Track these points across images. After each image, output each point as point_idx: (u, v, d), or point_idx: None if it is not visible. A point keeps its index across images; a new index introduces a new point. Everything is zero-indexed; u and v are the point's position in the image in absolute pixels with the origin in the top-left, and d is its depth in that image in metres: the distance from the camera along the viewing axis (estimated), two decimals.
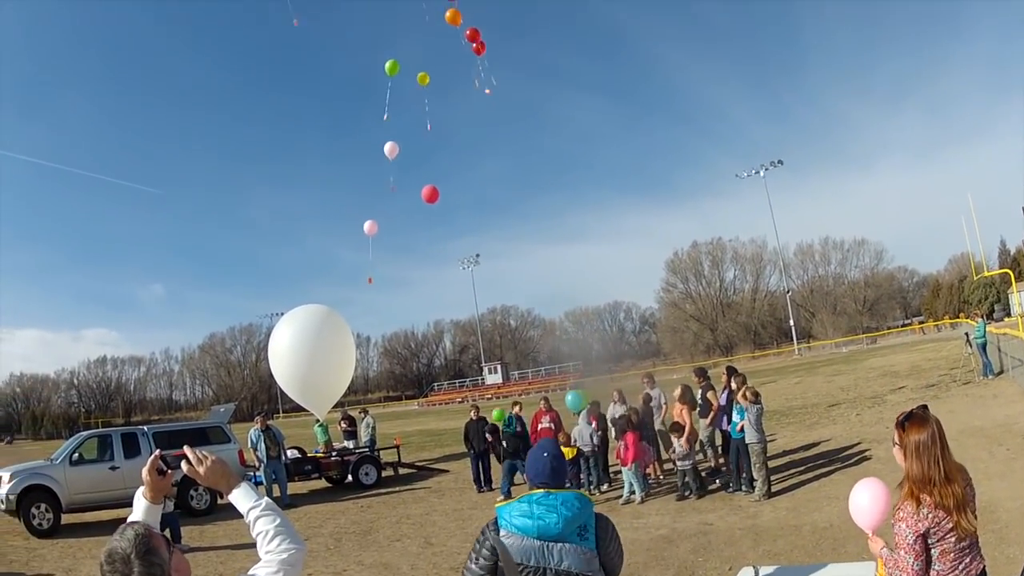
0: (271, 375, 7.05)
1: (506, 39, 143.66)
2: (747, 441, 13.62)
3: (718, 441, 16.36)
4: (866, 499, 4.03)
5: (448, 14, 16.41)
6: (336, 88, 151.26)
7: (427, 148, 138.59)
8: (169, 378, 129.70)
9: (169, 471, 2.78)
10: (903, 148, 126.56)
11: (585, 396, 17.66)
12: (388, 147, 17.83)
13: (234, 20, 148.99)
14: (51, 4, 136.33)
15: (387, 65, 17.26)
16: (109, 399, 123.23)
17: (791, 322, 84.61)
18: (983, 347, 26.51)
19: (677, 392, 16.08)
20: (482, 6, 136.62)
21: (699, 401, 15.94)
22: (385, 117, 19.52)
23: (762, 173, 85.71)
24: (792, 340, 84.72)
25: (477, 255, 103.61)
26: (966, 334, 29.08)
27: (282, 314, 8.17)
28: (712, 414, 15.68)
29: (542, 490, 3.47)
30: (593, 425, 16.43)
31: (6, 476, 16.48)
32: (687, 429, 14.92)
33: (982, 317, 30.86)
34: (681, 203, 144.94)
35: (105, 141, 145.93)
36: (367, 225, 18.95)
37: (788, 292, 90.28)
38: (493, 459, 18.74)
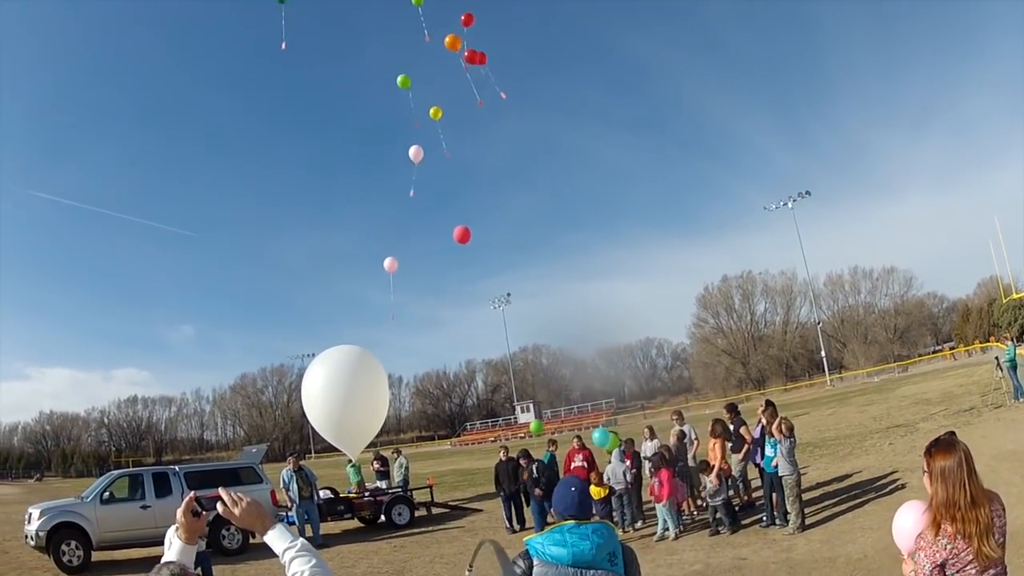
0: (303, 415, 7.02)
1: (534, 78, 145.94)
2: (780, 474, 13.53)
3: (751, 476, 16.39)
4: (909, 521, 3.96)
5: (447, 40, 16.60)
6: (364, 131, 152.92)
7: (456, 188, 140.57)
8: (200, 418, 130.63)
9: (204, 512, 2.80)
10: (928, 173, 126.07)
11: (613, 434, 17.66)
12: (413, 151, 17.94)
13: (263, 66, 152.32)
14: (81, 48, 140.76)
15: (399, 79, 17.47)
16: (140, 438, 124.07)
17: (822, 353, 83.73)
18: (1013, 369, 26.23)
19: (709, 427, 15.97)
20: (510, 45, 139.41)
21: (731, 437, 15.86)
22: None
23: (790, 204, 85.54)
24: (824, 371, 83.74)
25: (508, 294, 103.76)
26: (996, 357, 28.80)
27: (314, 355, 8.29)
28: (744, 449, 15.67)
29: (572, 521, 3.62)
30: (627, 463, 16.42)
31: (36, 513, 16.58)
32: (717, 465, 14.81)
33: (1012, 340, 30.59)
34: (711, 237, 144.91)
35: (139, 184, 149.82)
36: (387, 262, 19.06)
37: (819, 323, 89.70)
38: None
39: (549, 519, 16.44)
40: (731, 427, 16.07)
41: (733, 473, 15.87)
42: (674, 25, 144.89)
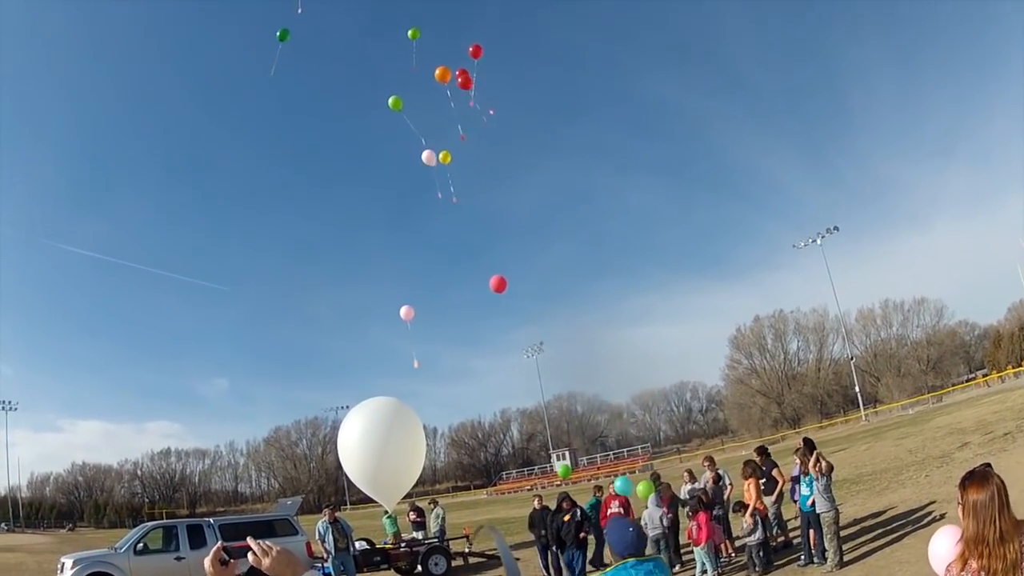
0: (338, 467, 6.81)
1: (561, 125, 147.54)
2: (818, 511, 13.46)
3: (787, 516, 16.39)
4: (943, 547, 3.94)
5: (437, 72, 16.91)
6: (393, 184, 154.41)
7: (487, 238, 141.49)
8: (234, 470, 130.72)
9: (232, 561, 2.76)
10: (954, 201, 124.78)
11: (648, 481, 17.62)
12: (426, 155, 18.14)
13: (292, 120, 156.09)
14: (111, 101, 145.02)
15: (391, 101, 17.75)
16: (173, 490, 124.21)
17: (856, 388, 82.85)
18: None
19: (741, 469, 15.99)
20: (536, 93, 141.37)
21: (764, 477, 15.82)
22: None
23: (819, 241, 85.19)
24: (859, 406, 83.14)
25: (541, 343, 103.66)
26: None
27: (348, 407, 8.38)
28: (777, 490, 15.66)
29: (632, 559, 3.80)
30: (664, 508, 16.38)
31: (69, 563, 16.76)
32: (752, 505, 14.80)
33: None
34: (741, 278, 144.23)
35: (171, 238, 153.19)
36: (403, 310, 19.18)
37: (852, 359, 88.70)
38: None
39: (606, 559, 16.43)
40: (763, 468, 16.02)
41: (768, 514, 15.73)
42: (697, 66, 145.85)
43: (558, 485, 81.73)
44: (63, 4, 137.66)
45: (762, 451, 16.92)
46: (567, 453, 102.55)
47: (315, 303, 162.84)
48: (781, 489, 15.60)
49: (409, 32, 19.42)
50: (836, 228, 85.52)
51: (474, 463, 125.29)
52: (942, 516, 15.22)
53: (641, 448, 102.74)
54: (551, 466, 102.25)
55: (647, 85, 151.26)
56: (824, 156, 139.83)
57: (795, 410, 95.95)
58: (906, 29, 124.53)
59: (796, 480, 15.03)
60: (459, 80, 17.37)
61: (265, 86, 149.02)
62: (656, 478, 18.08)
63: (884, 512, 17.63)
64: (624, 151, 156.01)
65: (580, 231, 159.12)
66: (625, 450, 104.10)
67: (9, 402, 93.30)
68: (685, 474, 17.87)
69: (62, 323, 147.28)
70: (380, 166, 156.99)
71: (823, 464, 13.50)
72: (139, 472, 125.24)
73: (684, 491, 17.20)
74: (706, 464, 17.92)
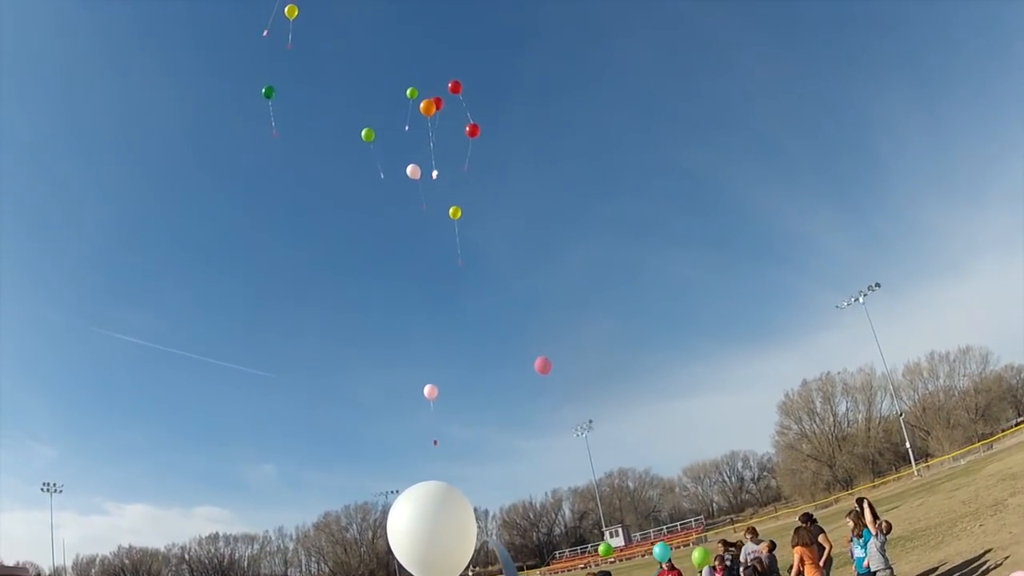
0: (389, 551, 6.65)
1: (598, 200, 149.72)
2: (873, 570, 13.62)
3: None
4: None
5: (422, 106, 18.12)
6: (431, 269, 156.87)
7: (530, 318, 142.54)
8: (284, 555, 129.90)
9: None
10: (991, 244, 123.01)
11: (698, 552, 17.78)
12: (410, 169, 18.99)
13: (329, 210, 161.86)
14: (152, 197, 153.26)
15: (363, 133, 18.91)
16: (222, 575, 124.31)
17: (907, 444, 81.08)
18: None
19: (792, 537, 15.98)
20: (571, 169, 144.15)
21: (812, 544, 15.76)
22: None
23: (861, 300, 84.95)
24: (910, 462, 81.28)
25: (590, 421, 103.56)
26: None
27: (398, 491, 8.99)
28: (824, 555, 15.51)
29: None
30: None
31: None
32: (795, 568, 14.74)
33: None
34: (786, 343, 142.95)
35: (216, 326, 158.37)
36: (427, 389, 19.98)
37: (901, 415, 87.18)
38: None
39: None
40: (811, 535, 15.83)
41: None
42: (728, 134, 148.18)
43: (612, 562, 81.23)
44: (107, 102, 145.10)
45: (807, 518, 16.99)
46: (620, 530, 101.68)
47: (360, 388, 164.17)
48: (828, 555, 15.49)
49: (408, 91, 20.77)
50: (877, 285, 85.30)
51: (526, 543, 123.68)
52: (998, 564, 15.32)
53: (695, 521, 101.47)
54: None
55: (681, 157, 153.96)
56: (860, 213, 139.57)
57: (847, 472, 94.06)
58: (930, 76, 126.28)
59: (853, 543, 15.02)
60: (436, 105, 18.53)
61: (304, 180, 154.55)
62: (726, 545, 18.14)
63: (939, 567, 17.68)
64: (662, 224, 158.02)
65: (623, 306, 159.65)
66: (679, 524, 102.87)
67: (54, 484, 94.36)
68: (747, 533, 17.86)
69: (108, 408, 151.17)
70: (419, 252, 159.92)
71: (883, 523, 13.76)
72: (187, 556, 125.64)
73: (745, 551, 17.17)
74: (748, 536, 17.87)
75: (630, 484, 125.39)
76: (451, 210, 21.50)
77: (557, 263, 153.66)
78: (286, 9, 21.64)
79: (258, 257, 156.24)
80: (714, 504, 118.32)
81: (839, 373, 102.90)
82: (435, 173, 20.71)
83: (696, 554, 17.09)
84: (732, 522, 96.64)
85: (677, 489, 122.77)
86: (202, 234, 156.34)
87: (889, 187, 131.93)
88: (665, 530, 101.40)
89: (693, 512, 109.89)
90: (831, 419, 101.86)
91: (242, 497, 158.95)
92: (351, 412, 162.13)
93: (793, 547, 15.06)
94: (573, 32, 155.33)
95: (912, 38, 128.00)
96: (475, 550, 7.23)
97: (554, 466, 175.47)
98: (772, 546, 17.04)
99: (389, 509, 7.15)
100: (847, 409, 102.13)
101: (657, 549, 17.47)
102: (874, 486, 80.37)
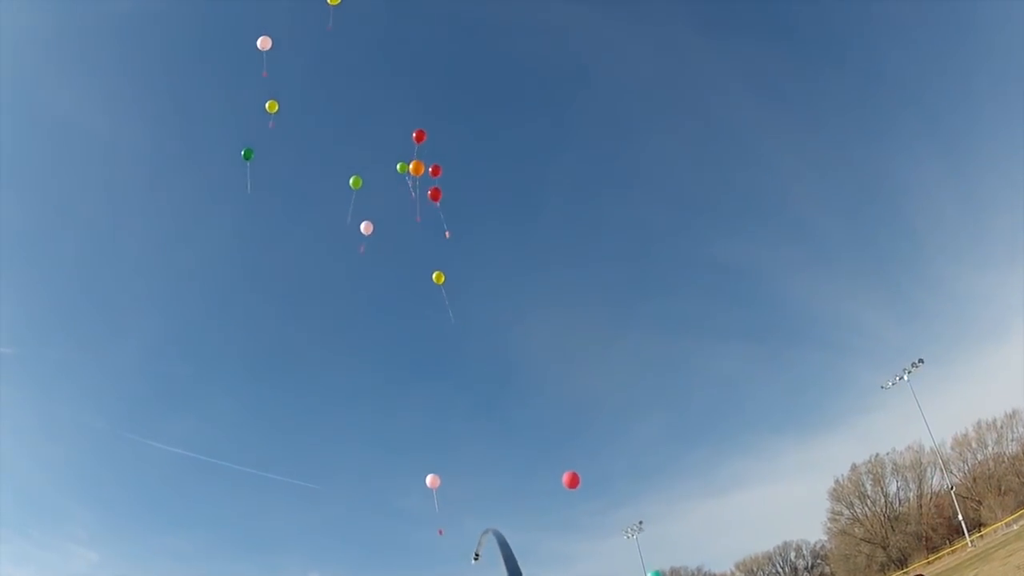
0: None
1: (640, 300, 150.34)
2: None
3: None
4: None
5: (412, 166, 18.79)
6: (475, 375, 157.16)
7: (575, 422, 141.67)
8: None
9: None
10: None
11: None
12: (364, 226, 19.61)
13: (373, 318, 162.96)
14: (196, 305, 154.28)
15: (351, 181, 19.64)
16: None
17: (959, 516, 78.46)
18: None
19: None
20: (610, 269, 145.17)
21: None
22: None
23: (906, 377, 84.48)
24: (963, 534, 78.84)
25: (640, 522, 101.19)
26: None
27: None
28: None
29: None
30: None
31: None
32: None
33: None
34: (834, 428, 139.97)
35: (260, 437, 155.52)
36: (429, 479, 20.19)
37: (952, 488, 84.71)
38: None
39: None
40: None
41: None
42: (763, 222, 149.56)
43: None
44: (152, 215, 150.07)
45: None
46: None
47: (406, 496, 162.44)
48: None
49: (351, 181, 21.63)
50: (921, 361, 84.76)
51: None
52: None
53: None
54: None
55: (718, 250, 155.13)
56: (899, 288, 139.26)
57: (900, 551, 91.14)
58: (956, 144, 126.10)
59: None
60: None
61: (343, 287, 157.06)
62: None
63: None
64: (703, 319, 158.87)
65: (668, 403, 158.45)
66: None
67: None
68: None
69: (151, 514, 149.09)
70: (462, 359, 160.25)
71: None
72: None
73: None
74: None
75: None
76: (435, 275, 22.07)
77: (601, 364, 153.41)
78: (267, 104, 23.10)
79: (303, 366, 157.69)
80: None
81: (888, 453, 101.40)
82: (447, 232, 21.37)
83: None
84: None
85: None
86: (248, 344, 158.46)
87: (926, 259, 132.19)
88: None
89: None
90: (882, 500, 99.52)
91: None
92: (397, 519, 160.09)
93: None
94: (604, 131, 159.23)
95: (933, 108, 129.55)
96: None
97: (604, 569, 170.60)
98: None
99: None
100: (898, 488, 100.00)
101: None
102: (928, 562, 78.29)
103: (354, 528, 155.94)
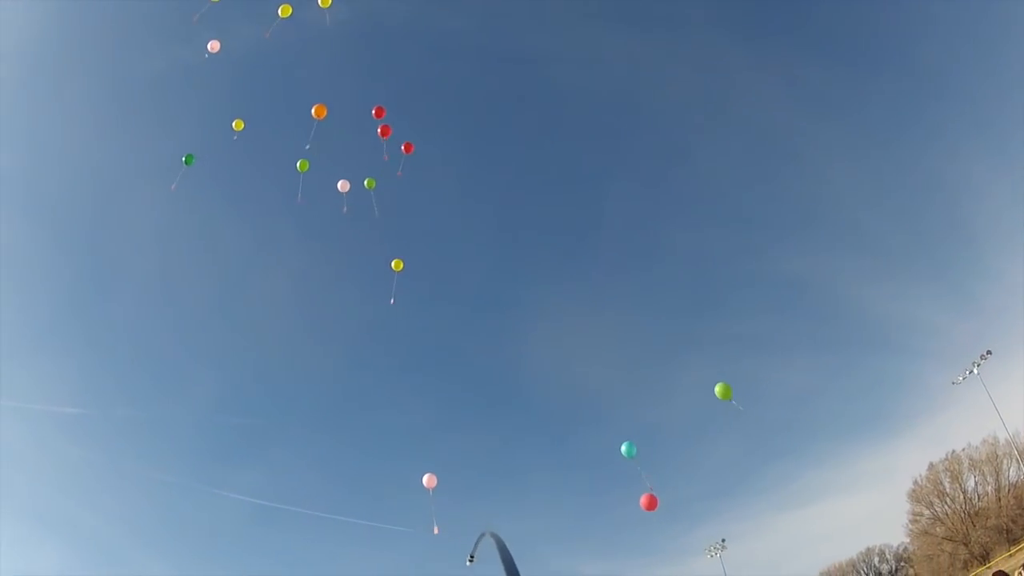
0: None
1: (705, 322, 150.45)
2: None
3: None
4: None
5: (314, 110, 20.35)
6: (545, 408, 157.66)
7: (650, 448, 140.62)
8: None
9: None
10: None
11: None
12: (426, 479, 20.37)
13: (430, 353, 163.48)
14: (254, 361, 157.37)
15: (298, 164, 21.06)
16: None
17: None
18: None
19: None
20: (669, 293, 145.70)
21: None
22: None
23: (975, 371, 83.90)
24: None
25: (723, 540, 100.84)
26: None
27: None
28: None
29: None
30: None
31: None
32: None
33: None
34: (909, 430, 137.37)
35: (330, 484, 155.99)
36: (426, 478, 21.30)
37: None
38: None
39: None
40: None
41: None
42: (821, 232, 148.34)
43: None
44: (203, 269, 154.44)
45: None
46: None
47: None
48: None
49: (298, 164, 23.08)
50: (989, 352, 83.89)
51: None
52: None
53: None
54: None
55: (778, 265, 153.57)
56: (959, 286, 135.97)
57: (982, 546, 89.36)
58: (1007, 137, 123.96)
59: None
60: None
61: (403, 329, 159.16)
62: None
63: None
64: (769, 335, 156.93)
65: (742, 422, 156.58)
66: None
67: None
68: None
69: (224, 566, 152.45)
70: (529, 394, 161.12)
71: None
72: None
73: None
74: None
75: None
76: (394, 263, 23.09)
77: (670, 389, 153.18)
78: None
79: (368, 411, 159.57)
80: None
81: (964, 449, 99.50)
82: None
83: (719, 388, 17.43)
84: None
85: None
86: (310, 392, 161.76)
87: (984, 254, 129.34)
88: None
89: None
90: (961, 497, 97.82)
91: None
92: (479, 562, 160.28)
93: None
94: (654, 157, 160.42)
95: (981, 104, 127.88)
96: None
97: None
98: None
99: None
100: (975, 484, 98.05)
101: (624, 447, 17.99)
102: (1011, 555, 76.97)
103: (432, 570, 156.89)
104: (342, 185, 22.75)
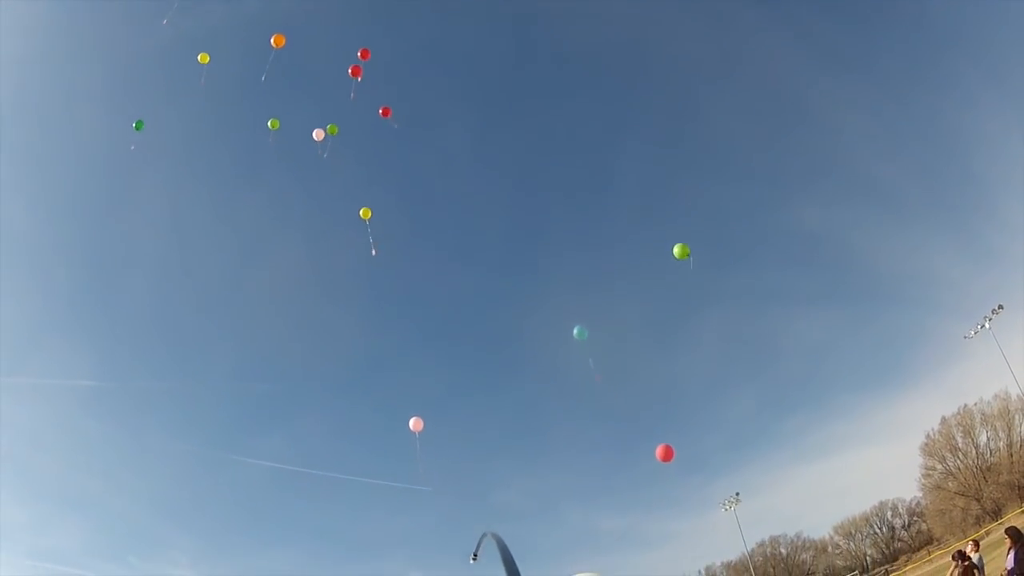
0: None
1: (721, 277, 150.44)
2: None
3: None
4: None
5: (273, 39, 20.61)
6: (563, 366, 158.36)
7: (667, 402, 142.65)
8: None
9: None
10: None
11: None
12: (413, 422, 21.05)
13: (453, 323, 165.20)
14: (274, 334, 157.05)
15: (269, 123, 21.47)
16: None
17: None
18: None
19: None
20: (693, 252, 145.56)
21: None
22: None
23: (987, 325, 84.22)
24: None
25: (737, 493, 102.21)
26: None
27: None
28: None
29: None
30: None
31: None
32: None
33: None
34: (921, 383, 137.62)
35: (353, 447, 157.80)
36: (412, 422, 21.83)
37: None
38: None
39: None
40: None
41: None
42: (834, 185, 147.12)
43: None
44: (221, 240, 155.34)
45: (960, 556, 17.81)
46: None
47: (503, 490, 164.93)
48: None
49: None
50: (1001, 307, 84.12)
51: None
52: None
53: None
54: None
55: (793, 217, 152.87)
56: (974, 239, 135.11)
57: (994, 502, 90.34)
58: (1021, 90, 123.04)
59: (1012, 572, 16.10)
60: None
61: (423, 292, 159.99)
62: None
63: None
64: (784, 287, 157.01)
65: (758, 375, 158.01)
66: None
67: None
68: (969, 543, 18.44)
69: (248, 532, 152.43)
70: (548, 352, 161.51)
71: None
72: None
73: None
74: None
75: (782, 550, 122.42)
76: (362, 211, 23.35)
77: (689, 343, 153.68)
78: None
79: (389, 374, 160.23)
80: (868, 558, 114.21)
81: (976, 404, 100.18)
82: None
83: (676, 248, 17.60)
84: (887, 573, 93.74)
85: (829, 548, 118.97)
86: (330, 357, 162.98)
87: (999, 207, 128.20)
88: None
89: (847, 569, 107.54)
90: (973, 452, 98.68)
91: None
92: (494, 514, 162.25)
93: None
94: (666, 113, 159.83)
95: (995, 57, 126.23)
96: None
97: (705, 543, 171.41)
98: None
99: None
100: (987, 439, 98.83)
101: (575, 330, 18.27)
102: (1023, 511, 77.61)
103: (452, 527, 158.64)
104: (316, 134, 23.18)
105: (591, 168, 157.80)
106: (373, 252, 29.23)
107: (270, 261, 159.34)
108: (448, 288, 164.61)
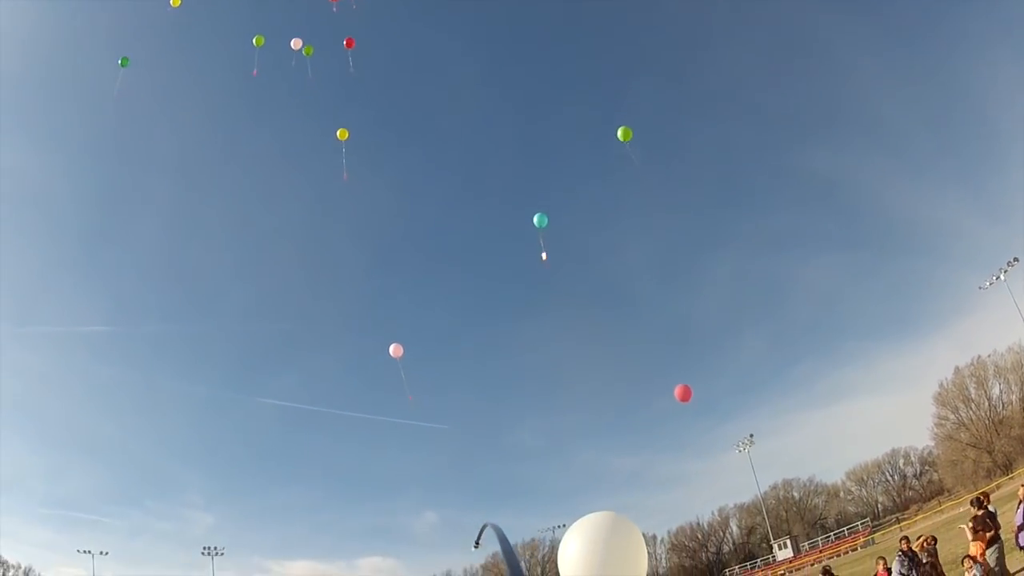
0: None
1: (733, 219, 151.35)
2: None
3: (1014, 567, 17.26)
4: None
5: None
6: (577, 305, 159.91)
7: (681, 343, 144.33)
8: None
9: None
10: None
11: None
12: (294, 42, 22.26)
13: (464, 261, 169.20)
14: (285, 275, 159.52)
15: (255, 39, 22.43)
16: None
17: None
18: None
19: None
20: (698, 187, 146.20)
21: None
22: None
23: (1002, 277, 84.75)
24: None
25: (751, 435, 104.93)
26: None
27: (565, 526, 8.99)
28: (990, 537, 16.54)
29: None
30: None
31: None
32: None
33: None
34: (936, 333, 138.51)
35: (364, 386, 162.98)
36: (392, 348, 22.79)
37: None
38: None
39: None
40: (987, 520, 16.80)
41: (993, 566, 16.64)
42: (848, 132, 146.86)
43: (781, 575, 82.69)
44: (227, 184, 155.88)
45: (977, 503, 17.73)
46: (788, 541, 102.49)
47: (516, 430, 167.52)
48: (994, 535, 16.36)
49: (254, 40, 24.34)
50: (1016, 259, 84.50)
51: (696, 564, 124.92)
52: None
53: (861, 524, 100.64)
54: (773, 556, 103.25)
55: (806, 161, 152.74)
56: (988, 190, 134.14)
57: (1006, 456, 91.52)
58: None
59: (1022, 527, 15.98)
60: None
61: (432, 231, 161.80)
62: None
63: None
64: (797, 231, 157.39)
65: (770, 319, 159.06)
66: (845, 529, 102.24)
67: (215, 548, 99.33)
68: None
69: (262, 471, 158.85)
70: (561, 290, 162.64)
71: None
72: None
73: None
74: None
75: (795, 494, 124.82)
76: (339, 132, 24.29)
77: (700, 285, 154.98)
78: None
79: (399, 314, 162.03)
80: (879, 505, 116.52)
81: (989, 355, 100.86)
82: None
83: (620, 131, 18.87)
84: (898, 521, 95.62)
85: (842, 494, 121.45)
86: (340, 297, 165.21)
87: (1013, 158, 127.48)
88: (832, 537, 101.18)
89: (859, 515, 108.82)
90: (986, 404, 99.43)
91: (407, 546, 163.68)
92: (507, 454, 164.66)
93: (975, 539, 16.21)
94: (678, 51, 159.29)
95: (1009, 10, 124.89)
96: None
97: (719, 484, 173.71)
98: (932, 540, 18.40)
99: (557, 544, 7.89)
100: (1000, 392, 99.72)
101: (536, 217, 19.43)
102: None
103: (465, 465, 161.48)
104: (294, 43, 24.13)
105: (601, 103, 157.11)
106: (344, 176, 30.02)
107: (279, 201, 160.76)
108: (458, 223, 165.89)
